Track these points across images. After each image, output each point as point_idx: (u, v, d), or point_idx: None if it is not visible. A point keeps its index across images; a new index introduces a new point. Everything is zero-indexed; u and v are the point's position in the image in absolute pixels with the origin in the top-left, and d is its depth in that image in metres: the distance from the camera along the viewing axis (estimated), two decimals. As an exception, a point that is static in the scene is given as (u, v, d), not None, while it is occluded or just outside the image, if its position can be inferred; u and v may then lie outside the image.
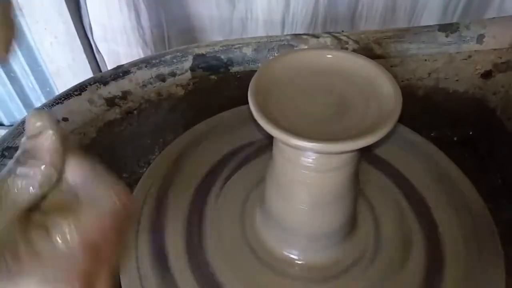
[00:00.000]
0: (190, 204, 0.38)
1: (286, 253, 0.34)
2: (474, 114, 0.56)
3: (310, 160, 0.28)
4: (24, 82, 0.92)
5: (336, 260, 0.34)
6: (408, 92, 0.55)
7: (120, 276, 0.34)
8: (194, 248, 0.35)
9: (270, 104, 0.28)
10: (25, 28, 0.80)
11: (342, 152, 0.26)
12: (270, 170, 0.32)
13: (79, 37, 0.78)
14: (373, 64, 0.29)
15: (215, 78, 0.51)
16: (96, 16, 0.74)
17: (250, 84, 0.29)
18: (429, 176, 0.39)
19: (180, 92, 0.51)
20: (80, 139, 0.47)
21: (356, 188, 0.31)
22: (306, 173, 0.28)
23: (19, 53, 0.85)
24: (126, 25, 0.73)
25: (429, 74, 0.53)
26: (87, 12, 0.75)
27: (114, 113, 0.49)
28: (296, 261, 0.34)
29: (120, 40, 0.75)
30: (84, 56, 0.80)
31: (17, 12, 0.79)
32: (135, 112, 0.50)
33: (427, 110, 0.56)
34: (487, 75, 0.53)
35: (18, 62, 0.87)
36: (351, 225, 0.34)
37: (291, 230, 0.32)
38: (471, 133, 0.58)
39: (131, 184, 0.54)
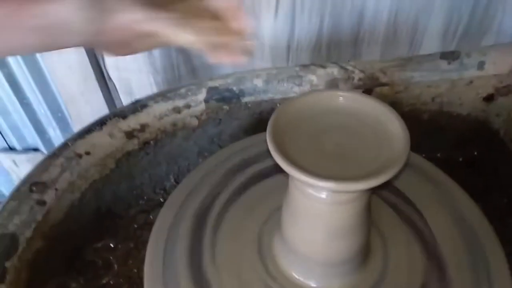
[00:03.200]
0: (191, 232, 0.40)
1: (302, 280, 0.36)
2: (478, 135, 0.58)
3: (324, 196, 0.30)
4: (36, 108, 0.95)
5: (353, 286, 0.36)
6: (413, 116, 0.57)
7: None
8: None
9: (286, 143, 0.30)
10: (38, 57, 0.83)
11: (355, 191, 0.28)
12: (285, 200, 0.34)
13: (92, 66, 0.80)
14: (382, 105, 0.31)
15: (227, 108, 0.54)
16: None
17: (268, 125, 0.31)
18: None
19: (194, 122, 0.54)
20: (100, 171, 0.49)
21: (369, 219, 0.33)
22: (320, 207, 0.30)
23: (31, 80, 0.88)
24: (138, 58, 0.76)
25: (433, 99, 0.55)
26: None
27: (132, 144, 0.51)
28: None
29: (131, 68, 0.78)
30: (96, 83, 0.82)
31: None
32: (151, 142, 0.53)
33: (432, 132, 0.58)
34: (489, 98, 0.55)
35: (31, 89, 0.90)
36: (365, 254, 0.36)
37: (306, 258, 0.34)
38: (475, 153, 0.60)
39: (148, 211, 0.56)
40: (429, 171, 0.45)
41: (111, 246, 0.52)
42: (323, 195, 0.30)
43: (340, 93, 0.33)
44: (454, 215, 0.40)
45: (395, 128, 0.30)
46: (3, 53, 0.37)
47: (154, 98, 0.50)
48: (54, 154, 0.44)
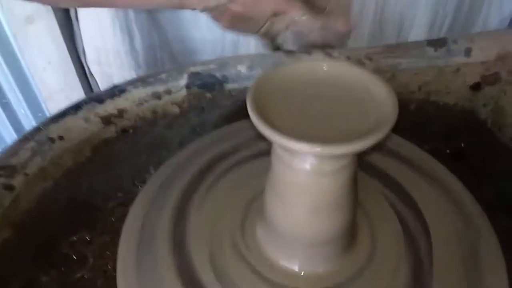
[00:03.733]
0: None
1: (285, 264, 0.34)
2: (466, 126, 0.57)
3: (308, 166, 0.28)
4: (16, 108, 0.92)
5: (336, 272, 0.34)
6: (401, 106, 0.55)
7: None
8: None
9: (268, 112, 0.28)
10: (18, 53, 0.81)
11: (341, 154, 0.27)
12: (268, 178, 0.32)
13: (72, 61, 0.78)
14: (366, 72, 0.30)
15: (210, 95, 0.52)
16: (89, 39, 0.75)
17: (248, 93, 0.29)
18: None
19: (176, 110, 0.52)
20: (75, 158, 0.47)
21: (356, 195, 0.31)
22: (304, 180, 0.29)
23: (11, 78, 0.86)
24: (120, 48, 0.74)
25: (420, 87, 0.54)
26: (81, 36, 0.76)
27: (110, 132, 0.49)
28: (296, 273, 0.33)
29: (113, 63, 0.76)
30: (77, 79, 0.80)
31: (11, 38, 0.79)
32: (130, 130, 0.51)
33: (419, 123, 0.57)
34: (476, 87, 0.54)
35: (10, 88, 0.87)
36: (351, 235, 0.34)
37: (290, 238, 0.32)
38: (463, 145, 0.59)
39: (126, 204, 0.54)
40: (422, 160, 0.44)
41: (86, 239, 0.49)
42: (307, 165, 0.28)
43: (324, 62, 0.31)
44: (446, 197, 0.39)
45: (381, 93, 0.28)
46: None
47: (133, 83, 0.48)
48: (25, 138, 0.42)
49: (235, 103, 0.53)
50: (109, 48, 0.74)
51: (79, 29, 0.76)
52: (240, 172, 0.41)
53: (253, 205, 0.38)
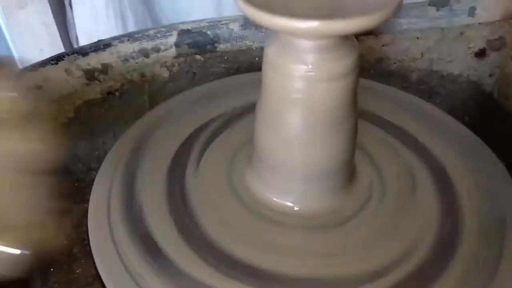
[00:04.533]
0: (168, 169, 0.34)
1: (279, 200, 0.30)
2: (471, 98, 0.54)
3: (304, 67, 0.25)
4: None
5: (335, 209, 0.30)
6: (402, 76, 0.53)
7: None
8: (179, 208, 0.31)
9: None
10: (9, 40, 0.79)
11: (344, 33, 0.23)
12: (258, 104, 0.29)
13: (65, 48, 0.76)
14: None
15: (201, 59, 0.49)
16: (82, 24, 0.74)
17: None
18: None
19: (165, 74, 0.49)
20: (57, 116, 0.44)
21: (355, 114, 0.28)
22: (300, 86, 0.25)
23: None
24: (112, 33, 0.72)
25: (422, 54, 0.51)
26: (73, 21, 0.75)
27: (94, 92, 0.46)
28: (291, 209, 0.30)
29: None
30: (69, 68, 0.78)
31: (1, 23, 0.78)
32: (116, 93, 0.48)
33: (422, 96, 0.54)
34: (481, 54, 0.51)
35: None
36: (350, 169, 0.31)
37: (283, 170, 0.29)
38: (467, 119, 0.55)
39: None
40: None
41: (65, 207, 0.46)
42: (304, 65, 0.25)
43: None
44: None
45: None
46: None
47: (119, 38, 0.46)
48: None
49: (229, 70, 0.51)
50: (102, 33, 0.72)
51: (72, 15, 0.75)
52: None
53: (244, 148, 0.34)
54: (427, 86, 0.54)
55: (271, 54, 0.26)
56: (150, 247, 0.29)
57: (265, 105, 0.28)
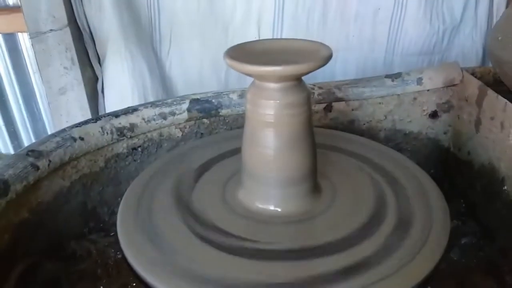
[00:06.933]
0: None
1: (263, 206, 0.40)
2: (432, 152, 0.65)
3: (273, 101, 0.37)
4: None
5: (307, 210, 0.40)
6: (372, 135, 0.65)
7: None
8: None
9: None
10: (45, 121, 0.94)
11: (302, 73, 0.35)
12: (244, 131, 0.40)
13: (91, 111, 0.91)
14: (319, 44, 0.40)
15: (208, 121, 0.62)
16: (112, 107, 0.89)
17: (225, 55, 0.39)
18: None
19: (178, 133, 0.61)
20: (90, 166, 0.55)
21: (312, 133, 0.39)
22: (271, 113, 0.37)
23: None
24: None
25: (385, 116, 0.64)
26: (104, 105, 0.90)
27: (122, 147, 0.58)
28: (274, 211, 0.40)
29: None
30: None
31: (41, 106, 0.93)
32: (139, 149, 0.60)
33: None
34: (433, 115, 0.63)
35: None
36: (314, 179, 0.41)
37: (263, 178, 0.39)
38: (432, 171, 0.65)
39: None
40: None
41: (92, 239, 0.55)
42: (272, 101, 0.37)
43: (282, 39, 0.42)
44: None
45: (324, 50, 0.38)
46: None
47: (144, 104, 0.59)
48: (53, 135, 0.51)
49: (229, 130, 0.63)
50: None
51: (103, 99, 0.91)
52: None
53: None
54: (394, 143, 0.65)
55: (250, 95, 0.38)
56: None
57: (247, 128, 0.39)
